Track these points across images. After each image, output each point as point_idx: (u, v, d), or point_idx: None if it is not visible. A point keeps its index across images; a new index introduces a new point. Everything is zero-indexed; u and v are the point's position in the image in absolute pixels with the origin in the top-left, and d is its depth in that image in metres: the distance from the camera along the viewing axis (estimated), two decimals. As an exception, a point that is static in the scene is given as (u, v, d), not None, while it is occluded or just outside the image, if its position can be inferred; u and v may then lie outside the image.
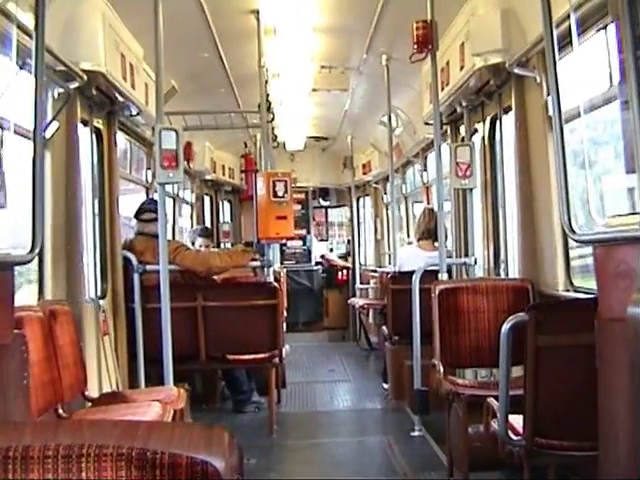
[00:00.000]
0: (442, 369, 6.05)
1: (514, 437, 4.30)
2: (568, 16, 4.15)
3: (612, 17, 4.54)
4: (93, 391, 6.37)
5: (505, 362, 4.32)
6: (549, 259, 6.16)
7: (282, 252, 16.69)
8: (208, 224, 14.52)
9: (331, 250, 18.01)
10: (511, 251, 7.26)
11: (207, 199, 15.16)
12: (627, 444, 3.18)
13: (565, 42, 5.37)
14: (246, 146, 14.87)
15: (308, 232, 17.19)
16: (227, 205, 16.96)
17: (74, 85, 5.98)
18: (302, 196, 17.11)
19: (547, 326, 4.09)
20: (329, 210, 18.41)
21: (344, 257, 17.33)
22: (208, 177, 14.19)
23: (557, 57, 3.47)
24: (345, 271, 16.74)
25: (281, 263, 16.24)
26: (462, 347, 6.17)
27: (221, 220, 15.90)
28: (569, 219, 3.36)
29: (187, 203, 13.31)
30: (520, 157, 6.43)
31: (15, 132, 5.35)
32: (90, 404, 5.94)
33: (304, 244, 17.10)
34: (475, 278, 7.65)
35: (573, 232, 3.38)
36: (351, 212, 16.72)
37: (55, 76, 5.81)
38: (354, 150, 15.24)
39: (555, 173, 5.80)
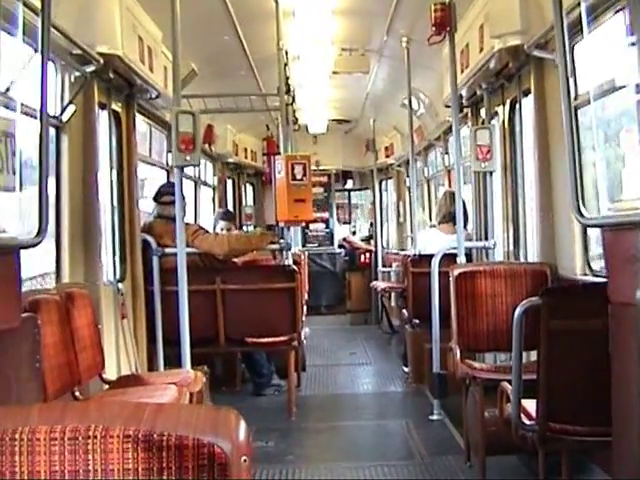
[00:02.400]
0: (458, 353, 6.03)
1: (527, 422, 4.28)
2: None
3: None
4: (112, 374, 6.41)
5: (517, 346, 4.30)
6: (567, 243, 6.12)
7: (305, 235, 16.71)
8: (231, 207, 14.54)
9: (354, 233, 17.97)
10: (530, 235, 7.22)
11: (230, 182, 15.18)
12: (636, 433, 3.16)
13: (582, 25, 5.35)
14: (268, 129, 14.85)
15: (331, 215, 17.14)
16: (250, 188, 16.94)
17: (90, 69, 5.99)
18: (325, 179, 17.06)
19: (561, 311, 4.06)
20: (352, 193, 18.39)
21: (367, 240, 17.29)
22: (230, 160, 14.19)
23: (567, 42, 3.42)
24: (368, 254, 16.68)
25: (303, 246, 16.26)
26: (479, 331, 6.14)
27: (244, 203, 15.89)
28: (578, 203, 3.33)
29: (209, 186, 13.33)
30: (539, 140, 6.38)
31: (30, 116, 5.40)
32: (107, 387, 5.97)
33: (327, 227, 17.07)
34: (493, 262, 7.62)
35: (582, 216, 3.34)
36: (373, 195, 16.65)
37: (71, 60, 5.82)
38: (377, 133, 15.17)
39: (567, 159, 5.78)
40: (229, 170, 14.80)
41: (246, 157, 15.07)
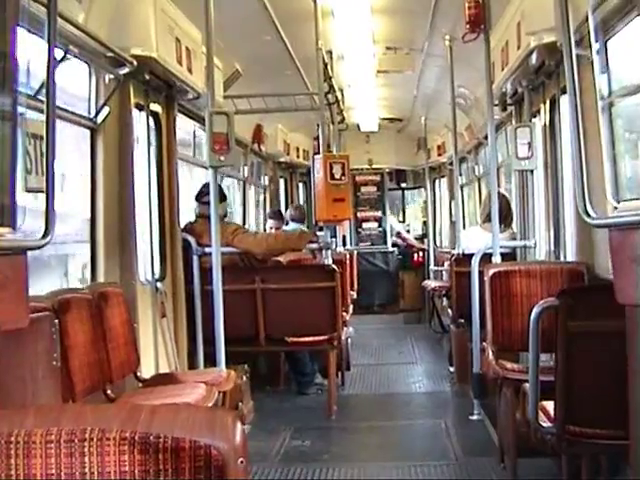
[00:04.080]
0: (491, 353, 5.98)
1: (544, 424, 4.23)
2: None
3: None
4: (149, 372, 6.48)
5: (534, 348, 4.25)
6: (604, 241, 6.01)
7: (358, 234, 16.70)
8: (283, 206, 14.59)
9: (408, 231, 17.87)
10: (570, 234, 7.12)
11: (282, 181, 15.24)
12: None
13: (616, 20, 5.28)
14: (319, 127, 14.84)
15: (384, 214, 17.03)
16: (302, 187, 16.95)
17: (124, 71, 6.04)
18: (378, 178, 16.97)
19: (579, 312, 4.00)
20: (406, 192, 18.32)
21: (420, 239, 17.19)
22: (282, 159, 14.23)
23: (574, 49, 3.39)
24: (421, 253, 16.60)
25: (356, 245, 16.25)
26: (514, 331, 6.07)
27: (296, 202, 15.91)
28: (584, 202, 3.28)
29: (260, 186, 13.41)
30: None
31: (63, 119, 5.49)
32: (141, 385, 6.04)
33: (379, 226, 16.98)
34: (529, 261, 7.55)
35: (588, 216, 3.30)
36: (426, 194, 16.54)
37: (105, 62, 5.89)
38: (428, 131, 15.07)
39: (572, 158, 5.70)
40: (281, 169, 14.85)
41: (298, 156, 15.07)
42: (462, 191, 13.99)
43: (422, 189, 17.36)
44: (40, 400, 3.76)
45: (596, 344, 4.01)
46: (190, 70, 7.22)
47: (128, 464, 1.87)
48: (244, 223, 11.93)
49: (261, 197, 13.56)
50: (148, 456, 1.87)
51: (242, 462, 1.88)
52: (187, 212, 8.20)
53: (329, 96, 9.60)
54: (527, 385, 4.56)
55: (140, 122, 6.91)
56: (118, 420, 1.92)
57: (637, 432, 3.33)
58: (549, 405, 4.35)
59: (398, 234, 17.02)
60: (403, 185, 17.97)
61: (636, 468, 3.46)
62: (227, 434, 1.89)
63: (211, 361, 7.38)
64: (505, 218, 8.84)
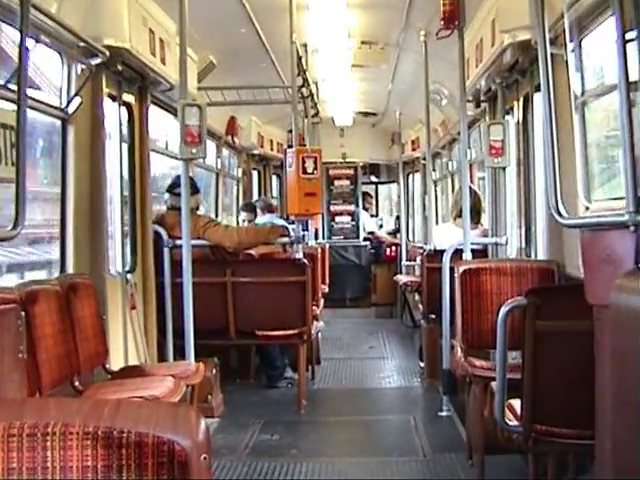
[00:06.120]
0: (460, 350, 5.99)
1: (511, 423, 4.24)
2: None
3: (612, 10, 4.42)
4: (118, 364, 6.45)
5: (502, 346, 4.26)
6: (575, 240, 6.03)
7: (331, 228, 16.68)
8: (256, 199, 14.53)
9: (380, 226, 17.86)
10: (541, 232, 7.15)
11: (255, 174, 15.21)
12: (608, 436, 3.12)
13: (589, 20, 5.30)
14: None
15: (357, 207, 17.01)
16: (276, 179, 16.91)
17: (96, 61, 6.00)
18: (351, 172, 16.94)
19: (547, 311, 4.01)
20: (379, 186, 18.31)
21: (393, 233, 17.21)
22: (255, 152, 14.19)
23: (549, 49, 3.39)
24: (394, 247, 16.59)
25: (329, 238, 16.23)
26: (484, 328, 6.07)
27: (269, 195, 15.87)
28: (556, 202, 3.29)
29: (233, 178, 13.37)
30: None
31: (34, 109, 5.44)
32: (110, 377, 6.01)
33: (353, 220, 16.95)
34: (500, 259, 7.57)
35: (560, 215, 3.31)
36: (400, 188, 16.54)
37: (77, 52, 5.84)
38: (403, 126, 15.05)
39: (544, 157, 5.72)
40: (255, 162, 14.80)
41: (272, 149, 15.03)
42: (435, 186, 14.07)
43: (396, 183, 17.36)
44: (5, 393, 3.73)
45: (563, 343, 4.03)
46: (164, 61, 7.19)
47: (91, 459, 1.85)
48: (217, 215, 11.89)
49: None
50: (111, 451, 1.85)
51: (205, 458, 1.87)
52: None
53: (303, 89, 9.57)
54: (494, 384, 4.57)
55: (112, 113, 6.87)
56: (81, 414, 1.89)
57: (603, 431, 3.34)
58: (517, 403, 4.36)
59: (371, 233, 17.00)
60: (375, 179, 17.99)
61: (602, 467, 3.48)
62: (191, 430, 1.88)
63: (181, 354, 7.35)
64: (476, 214, 8.87)
